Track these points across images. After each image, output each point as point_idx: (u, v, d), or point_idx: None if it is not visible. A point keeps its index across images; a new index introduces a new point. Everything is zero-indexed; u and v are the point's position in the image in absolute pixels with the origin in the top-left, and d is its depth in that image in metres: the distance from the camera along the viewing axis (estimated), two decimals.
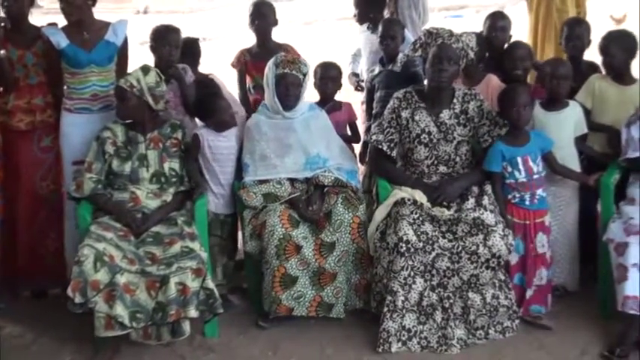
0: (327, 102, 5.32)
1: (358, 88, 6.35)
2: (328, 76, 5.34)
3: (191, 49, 5.52)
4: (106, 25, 5.01)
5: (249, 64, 5.74)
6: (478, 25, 5.82)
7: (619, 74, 4.98)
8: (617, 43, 4.99)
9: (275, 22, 5.84)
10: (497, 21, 5.63)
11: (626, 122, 4.64)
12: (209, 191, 4.84)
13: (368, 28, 6.37)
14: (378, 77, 5.53)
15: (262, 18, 5.75)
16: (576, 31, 5.29)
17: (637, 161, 4.57)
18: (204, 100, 5.00)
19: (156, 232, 4.54)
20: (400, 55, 5.55)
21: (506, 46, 5.53)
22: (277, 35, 5.95)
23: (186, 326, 4.25)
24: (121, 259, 4.26)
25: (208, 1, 25.37)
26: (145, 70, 4.69)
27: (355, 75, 6.47)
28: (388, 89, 5.48)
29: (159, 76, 4.72)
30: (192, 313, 4.21)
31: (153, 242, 4.47)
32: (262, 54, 5.54)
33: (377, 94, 5.43)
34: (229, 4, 20.99)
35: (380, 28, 5.71)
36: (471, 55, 4.74)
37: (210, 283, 4.31)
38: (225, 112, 4.90)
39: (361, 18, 6.55)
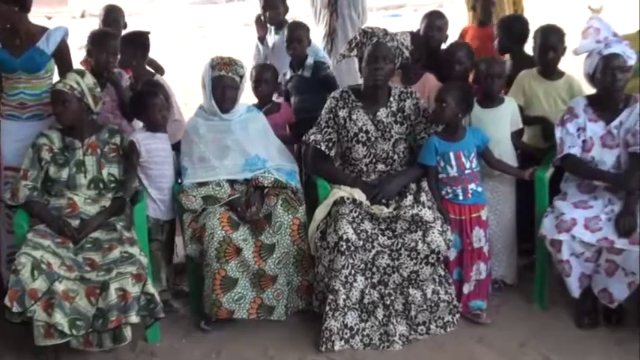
0: (264, 104, 5.33)
1: None
2: (263, 78, 5.36)
3: (141, 42, 5.58)
4: (41, 32, 4.94)
5: None
6: (416, 24, 5.88)
7: (550, 69, 5.08)
8: (561, 38, 5.08)
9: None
10: (435, 20, 5.68)
11: (559, 120, 4.70)
12: (147, 196, 4.80)
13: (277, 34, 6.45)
14: (291, 82, 5.63)
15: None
16: (550, 40, 5.12)
17: (573, 163, 4.63)
18: (139, 95, 4.97)
19: (95, 238, 4.50)
20: (308, 60, 5.62)
21: (444, 45, 5.59)
22: (213, 37, 5.94)
23: (128, 332, 4.22)
24: (59, 266, 4.22)
25: (147, 3, 25.13)
26: (81, 72, 4.68)
27: None
28: (302, 95, 5.57)
29: (93, 78, 4.70)
30: (134, 318, 4.19)
31: (92, 248, 4.44)
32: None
33: (292, 100, 5.58)
34: (168, 6, 20.87)
35: (286, 32, 5.76)
36: (406, 53, 4.78)
37: (150, 288, 4.29)
38: (157, 110, 4.85)
39: (266, 21, 6.59)
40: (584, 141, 4.61)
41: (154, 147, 4.80)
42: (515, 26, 5.63)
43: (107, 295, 4.14)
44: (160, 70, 6.05)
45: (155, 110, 4.84)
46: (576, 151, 4.60)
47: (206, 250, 4.53)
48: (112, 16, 5.97)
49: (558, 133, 4.66)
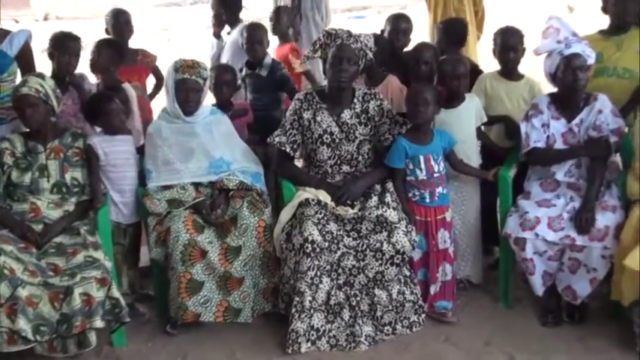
0: (224, 105, 5.32)
1: None
2: (224, 80, 5.34)
3: (120, 48, 5.63)
4: (4, 35, 4.91)
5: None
6: (380, 26, 5.91)
7: (511, 70, 5.13)
8: (520, 39, 5.14)
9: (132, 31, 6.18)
10: (400, 24, 5.72)
11: (524, 116, 4.75)
12: (110, 200, 4.76)
13: (228, 33, 6.51)
14: (247, 80, 5.66)
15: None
16: (511, 41, 5.14)
17: (539, 153, 4.68)
18: (94, 100, 4.94)
19: (58, 243, 4.47)
20: (266, 59, 5.69)
21: (407, 48, 5.62)
22: (175, 39, 5.97)
23: (93, 337, 4.20)
24: (23, 271, 4.17)
25: (111, 6, 24.94)
26: (41, 75, 4.64)
27: None
28: (257, 93, 5.59)
29: (52, 80, 4.68)
30: (98, 323, 4.17)
31: (55, 253, 4.40)
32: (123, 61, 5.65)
33: (247, 97, 5.65)
34: (132, 9, 20.68)
35: (245, 33, 5.80)
36: (370, 55, 4.79)
37: (115, 292, 4.27)
38: (114, 115, 4.82)
39: (218, 21, 6.65)
40: (548, 136, 4.66)
41: (112, 150, 4.77)
42: (456, 28, 5.68)
43: (71, 300, 4.11)
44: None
45: (112, 115, 4.81)
46: (542, 145, 4.66)
47: (171, 253, 4.51)
48: (124, 18, 6.10)
49: (524, 128, 4.70)
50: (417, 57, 5.24)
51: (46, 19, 22.34)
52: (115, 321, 4.31)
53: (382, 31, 5.72)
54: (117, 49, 5.55)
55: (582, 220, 4.35)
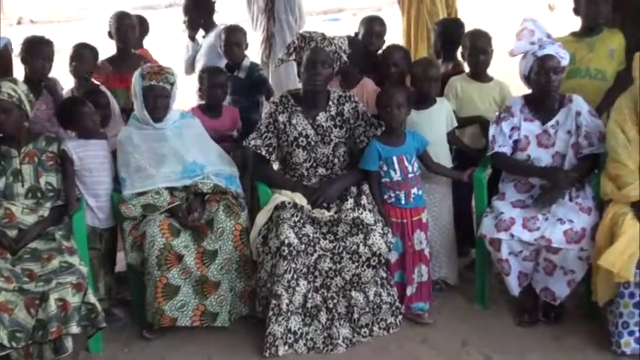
0: (215, 108, 5.34)
1: None
2: (218, 82, 5.36)
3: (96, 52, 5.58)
4: None
5: (110, 75, 5.71)
6: (355, 28, 5.92)
7: (480, 72, 5.16)
8: (489, 41, 5.16)
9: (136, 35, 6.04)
10: (375, 27, 5.73)
11: (496, 118, 4.78)
12: (85, 205, 4.74)
13: (204, 37, 6.51)
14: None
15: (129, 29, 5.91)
16: (480, 43, 5.17)
17: (502, 158, 4.74)
18: (67, 104, 4.92)
19: (33, 249, 4.44)
20: (245, 62, 5.70)
21: (381, 50, 5.64)
22: (156, 43, 5.96)
23: (69, 343, 4.18)
24: None
25: (86, 9, 24.82)
26: (13, 80, 4.62)
27: None
28: (235, 96, 5.60)
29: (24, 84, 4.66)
30: (74, 329, 4.15)
31: (30, 259, 4.37)
32: (123, 63, 5.60)
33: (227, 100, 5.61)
34: (107, 12, 20.57)
35: (223, 36, 5.80)
36: (344, 57, 4.80)
37: (91, 298, 4.25)
38: (87, 118, 4.80)
39: (192, 25, 6.64)
40: (516, 141, 4.70)
41: (87, 154, 4.75)
42: (451, 29, 5.71)
43: (47, 306, 4.09)
44: None
45: (84, 119, 4.79)
46: (506, 150, 4.71)
47: (147, 258, 4.50)
48: (129, 22, 5.95)
49: (492, 130, 4.74)
50: (386, 59, 5.26)
51: (19, 23, 22.17)
52: (91, 326, 4.29)
53: (356, 34, 5.73)
54: (95, 52, 5.54)
55: (546, 199, 4.48)
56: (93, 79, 5.50)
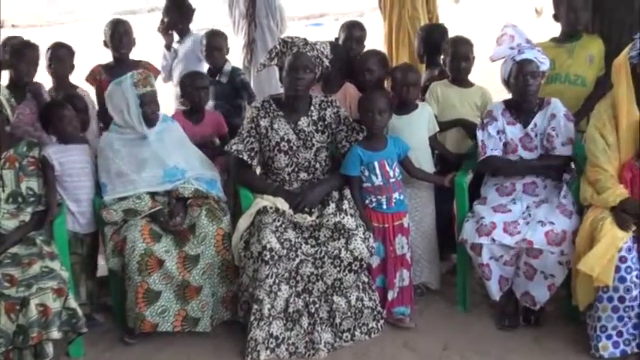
0: (199, 112, 5.35)
1: None
2: (202, 85, 5.35)
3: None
4: None
5: (104, 82, 5.62)
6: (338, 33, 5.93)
7: (463, 78, 5.18)
8: (470, 48, 5.19)
9: (134, 43, 5.92)
10: (354, 32, 5.74)
11: (480, 124, 4.81)
12: (66, 210, 4.73)
13: (178, 42, 6.52)
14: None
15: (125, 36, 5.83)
16: (461, 50, 5.19)
17: (495, 160, 4.75)
18: (48, 107, 4.90)
19: (14, 254, 4.42)
20: (226, 66, 5.72)
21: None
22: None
23: (50, 348, 4.16)
24: None
25: (68, 13, 24.73)
26: None
27: None
28: (217, 101, 5.61)
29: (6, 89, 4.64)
30: (55, 334, 4.13)
31: (11, 264, 4.34)
32: (120, 72, 5.40)
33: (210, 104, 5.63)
34: (90, 17, 20.56)
35: (204, 40, 5.81)
36: (326, 62, 4.81)
37: (72, 303, 4.23)
38: (67, 122, 4.79)
39: (169, 27, 6.60)
40: (505, 143, 4.74)
41: (67, 159, 4.74)
42: (434, 35, 5.74)
43: (27, 311, 4.07)
44: None
45: (64, 122, 4.78)
46: (498, 153, 4.73)
47: (127, 263, 4.49)
48: (123, 29, 5.86)
49: (480, 136, 4.76)
50: (360, 65, 5.27)
51: (1, 27, 22.04)
52: (72, 331, 4.27)
53: (336, 39, 5.74)
54: (71, 51, 5.53)
55: None
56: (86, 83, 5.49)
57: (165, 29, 6.68)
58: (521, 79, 4.58)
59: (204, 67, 6.04)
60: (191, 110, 5.37)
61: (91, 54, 6.06)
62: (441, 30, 5.92)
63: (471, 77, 5.27)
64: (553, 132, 4.63)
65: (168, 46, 6.73)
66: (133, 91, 4.75)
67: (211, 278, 4.63)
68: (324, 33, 9.59)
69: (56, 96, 5.37)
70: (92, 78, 5.76)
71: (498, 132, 4.73)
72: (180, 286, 4.55)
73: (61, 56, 5.50)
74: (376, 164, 4.68)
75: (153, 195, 4.75)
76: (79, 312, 4.27)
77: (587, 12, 5.19)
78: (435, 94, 5.16)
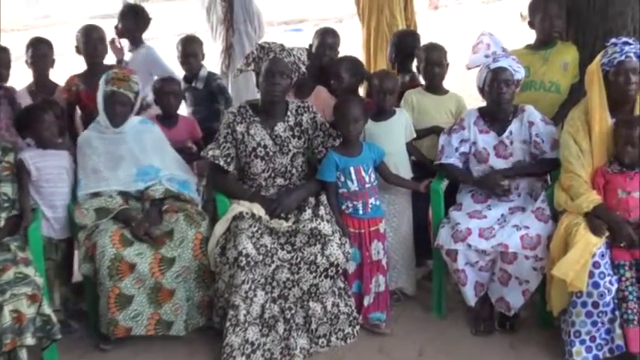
0: (170, 117, 5.34)
1: None
2: (172, 90, 5.35)
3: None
4: None
5: (83, 92, 5.53)
6: None
7: (436, 85, 5.21)
8: (444, 55, 5.22)
9: (106, 50, 5.80)
10: (327, 38, 5.75)
11: (447, 128, 4.87)
12: (41, 215, 4.70)
13: (130, 50, 6.41)
14: (185, 93, 5.69)
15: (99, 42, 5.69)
16: (435, 56, 5.21)
17: (447, 168, 4.84)
18: (28, 111, 4.89)
19: None
20: (202, 72, 5.73)
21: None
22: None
23: (24, 355, 4.13)
24: None
25: (44, 17, 24.59)
26: None
27: None
28: (195, 107, 5.61)
29: None
30: (29, 340, 4.10)
31: None
32: (97, 79, 5.15)
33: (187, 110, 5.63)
34: (66, 21, 20.47)
35: (180, 47, 5.78)
36: (303, 68, 4.82)
37: (46, 309, 4.20)
38: (45, 126, 4.77)
39: (124, 32, 6.44)
40: (475, 153, 4.77)
41: (44, 164, 4.72)
42: (407, 41, 5.77)
43: (1, 318, 4.03)
44: None
45: (43, 126, 4.76)
46: (453, 161, 4.81)
47: (98, 268, 4.47)
48: (97, 35, 5.66)
49: (441, 140, 4.85)
50: (333, 70, 5.30)
51: None
52: (46, 338, 4.25)
53: (310, 46, 5.75)
54: (50, 44, 5.51)
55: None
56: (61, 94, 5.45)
57: (119, 35, 6.43)
58: (495, 86, 4.62)
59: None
60: (163, 115, 5.36)
61: (70, 59, 5.96)
62: (414, 36, 5.96)
63: (446, 84, 5.30)
64: (538, 138, 4.67)
65: (119, 61, 6.40)
66: (103, 87, 4.79)
67: (187, 282, 4.62)
68: (304, 38, 9.58)
69: (36, 91, 5.34)
70: (67, 90, 5.56)
71: (462, 141, 4.78)
72: (153, 289, 4.52)
73: (42, 51, 5.45)
74: (352, 170, 4.69)
75: (126, 199, 4.75)
76: (54, 318, 4.24)
77: (562, 19, 5.23)
78: (410, 102, 5.18)
